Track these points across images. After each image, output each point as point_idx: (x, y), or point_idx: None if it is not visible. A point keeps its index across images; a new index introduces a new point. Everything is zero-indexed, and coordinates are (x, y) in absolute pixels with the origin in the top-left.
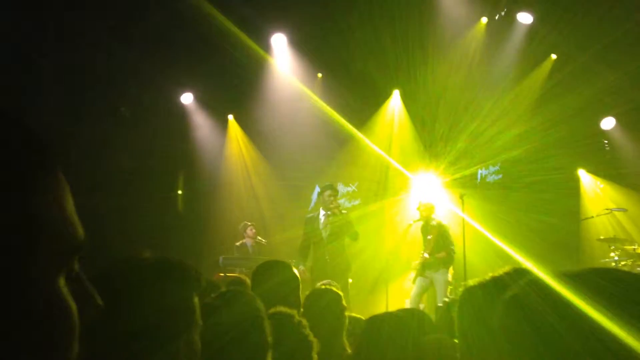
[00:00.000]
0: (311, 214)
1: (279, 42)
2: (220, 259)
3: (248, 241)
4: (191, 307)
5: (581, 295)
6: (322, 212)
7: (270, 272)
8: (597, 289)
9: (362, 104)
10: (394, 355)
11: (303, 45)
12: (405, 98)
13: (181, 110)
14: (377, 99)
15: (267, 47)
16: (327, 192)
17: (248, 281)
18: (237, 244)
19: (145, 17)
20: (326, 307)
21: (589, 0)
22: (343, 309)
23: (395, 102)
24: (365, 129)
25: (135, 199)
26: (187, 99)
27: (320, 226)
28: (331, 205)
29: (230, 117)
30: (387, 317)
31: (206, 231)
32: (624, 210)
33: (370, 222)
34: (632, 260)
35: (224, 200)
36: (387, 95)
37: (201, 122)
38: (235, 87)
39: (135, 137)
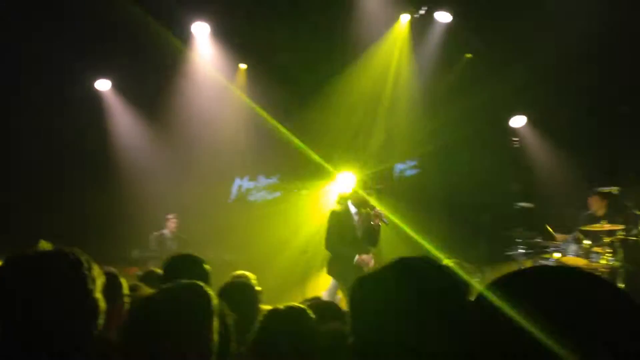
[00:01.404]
0: (338, 209)
1: (201, 31)
2: (134, 251)
3: (167, 233)
4: (89, 300)
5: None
6: (353, 209)
7: (181, 266)
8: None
9: (285, 97)
10: (289, 347)
11: (225, 35)
12: (328, 91)
13: (97, 98)
14: (301, 92)
15: (188, 36)
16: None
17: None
18: (155, 233)
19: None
20: (241, 299)
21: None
22: (257, 301)
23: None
24: (288, 121)
25: (48, 190)
26: (103, 86)
27: (355, 226)
28: (366, 205)
29: (148, 106)
30: (285, 310)
31: (121, 224)
32: (531, 205)
33: (291, 215)
34: (536, 252)
35: (141, 191)
36: (310, 89)
37: (118, 111)
38: (154, 75)
39: (49, 126)
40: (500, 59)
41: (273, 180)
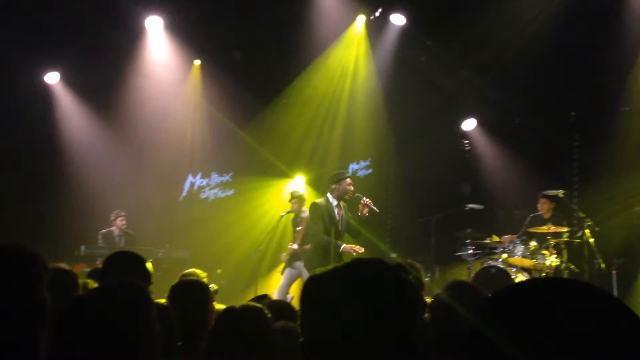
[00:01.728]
0: (319, 201)
1: (154, 25)
2: (82, 248)
3: (115, 230)
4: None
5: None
6: (334, 202)
7: (120, 263)
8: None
9: (241, 95)
10: (245, 347)
11: (179, 31)
12: (285, 90)
13: (45, 91)
14: (257, 91)
15: (141, 29)
16: (349, 180)
17: None
18: (103, 231)
19: None
20: (192, 298)
21: (458, 3)
22: (210, 299)
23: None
24: (244, 119)
25: None
26: (52, 78)
27: (337, 219)
28: (350, 196)
29: (100, 100)
30: (240, 309)
31: (69, 220)
32: (480, 207)
33: (244, 213)
34: (484, 253)
35: (90, 187)
36: (267, 87)
37: (68, 105)
38: (106, 69)
39: None
40: (451, 62)
41: (226, 178)
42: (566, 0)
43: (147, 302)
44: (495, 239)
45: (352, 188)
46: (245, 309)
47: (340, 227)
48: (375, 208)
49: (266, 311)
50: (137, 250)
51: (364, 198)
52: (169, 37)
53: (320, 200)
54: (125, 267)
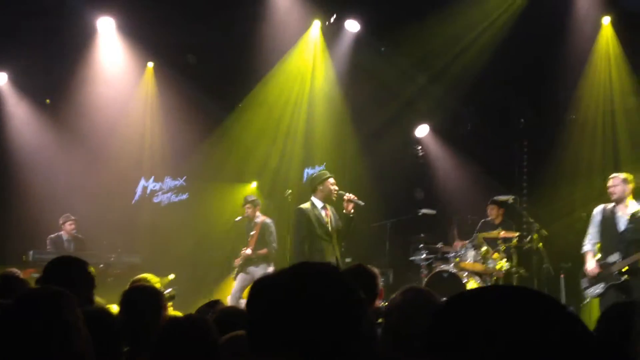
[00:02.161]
0: (305, 206)
1: (106, 26)
2: (31, 253)
3: (64, 235)
4: None
5: None
6: (319, 204)
7: (62, 269)
8: None
9: (196, 98)
10: (185, 357)
11: (132, 32)
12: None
13: None
14: (213, 94)
15: (93, 31)
16: (332, 180)
17: None
18: (52, 236)
19: None
20: (144, 304)
21: (412, 11)
22: (161, 306)
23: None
24: (199, 123)
25: None
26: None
27: (325, 221)
28: (335, 195)
29: (48, 101)
30: (183, 320)
31: (18, 225)
32: (433, 212)
33: (199, 218)
34: (437, 258)
35: (39, 191)
36: (223, 91)
37: (16, 106)
38: (55, 70)
39: None
40: (405, 68)
41: (180, 182)
42: (517, 11)
43: (63, 308)
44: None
45: (336, 188)
46: (187, 320)
47: (330, 229)
48: (359, 202)
49: (210, 322)
50: (87, 256)
51: (347, 194)
52: (122, 38)
53: (305, 205)
54: (67, 273)
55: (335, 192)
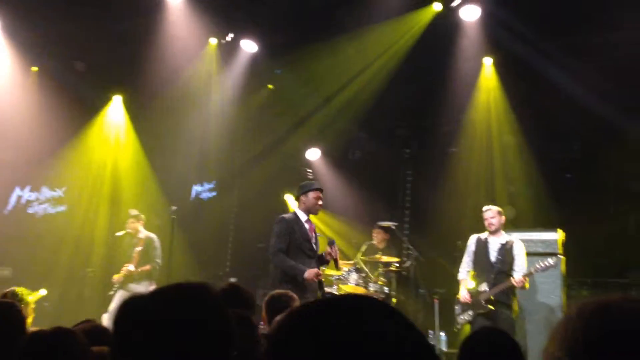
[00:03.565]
0: (288, 215)
1: None
2: None
3: None
4: None
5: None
6: (303, 216)
7: None
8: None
9: (81, 105)
10: None
11: (18, 35)
12: (130, 105)
13: None
14: (99, 102)
15: None
16: (318, 193)
17: None
18: None
19: None
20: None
21: (308, 35)
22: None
23: (116, 108)
24: (82, 132)
25: None
26: None
27: (309, 236)
28: (319, 209)
29: None
30: (50, 333)
31: None
32: (320, 235)
33: (76, 231)
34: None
35: None
36: (108, 100)
37: None
38: None
39: None
40: (299, 91)
41: (58, 192)
42: (409, 44)
43: None
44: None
45: (320, 203)
46: (54, 332)
47: (315, 245)
48: (336, 266)
49: (79, 335)
50: None
51: (333, 247)
52: (7, 41)
53: (288, 215)
54: None
55: (319, 208)
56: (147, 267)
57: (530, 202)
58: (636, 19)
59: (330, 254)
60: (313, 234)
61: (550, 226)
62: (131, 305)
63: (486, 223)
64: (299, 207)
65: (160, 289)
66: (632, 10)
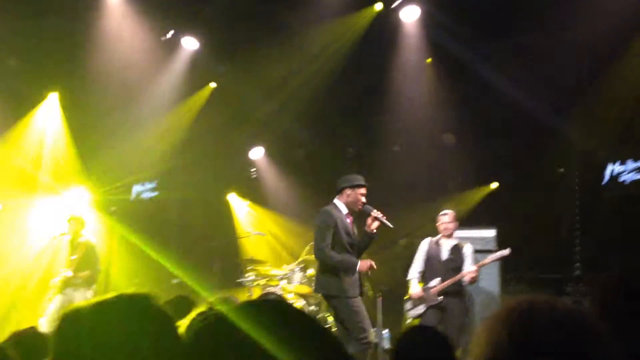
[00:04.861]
0: (329, 209)
1: None
2: None
3: None
4: None
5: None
6: (344, 210)
7: None
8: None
9: (13, 104)
10: None
11: None
12: (66, 102)
13: None
14: (32, 100)
15: None
16: (363, 190)
17: None
18: None
19: None
20: None
21: (249, 34)
22: None
23: (50, 106)
24: (14, 129)
25: None
26: None
27: (351, 230)
28: (360, 207)
29: None
30: None
31: None
32: (263, 234)
33: (7, 232)
34: (265, 280)
35: None
36: (42, 97)
37: None
38: None
39: None
40: (243, 90)
41: None
42: (352, 43)
43: None
44: (280, 267)
45: (364, 200)
46: None
47: (356, 240)
48: (388, 223)
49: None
50: None
51: (374, 210)
52: None
53: (329, 207)
54: None
55: (361, 205)
56: (87, 272)
57: (468, 200)
58: (562, 22)
59: (375, 218)
60: (353, 228)
61: (487, 224)
62: (71, 319)
63: (442, 227)
64: (341, 199)
65: (104, 301)
66: (558, 13)
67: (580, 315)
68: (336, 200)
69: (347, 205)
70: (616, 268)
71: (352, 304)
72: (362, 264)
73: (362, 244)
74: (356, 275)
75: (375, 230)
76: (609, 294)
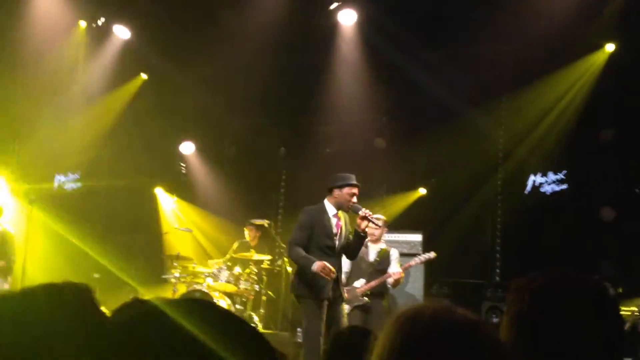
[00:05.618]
0: (312, 207)
1: None
2: None
3: None
4: None
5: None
6: (331, 211)
7: None
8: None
9: None
10: None
11: None
12: None
13: None
14: None
15: None
16: (354, 190)
17: None
18: None
19: None
20: None
21: (184, 27)
22: None
23: None
24: None
25: None
26: None
27: (333, 232)
28: (350, 208)
29: None
30: None
31: None
32: (189, 230)
33: None
34: (190, 277)
35: None
36: None
37: None
38: None
39: None
40: (173, 83)
41: None
42: (286, 40)
43: None
44: (206, 264)
45: (354, 200)
46: None
47: (337, 243)
48: (377, 222)
49: None
50: None
51: (363, 209)
52: None
53: (314, 206)
54: None
55: (351, 204)
56: (2, 263)
57: (396, 204)
58: (491, 35)
59: (365, 217)
60: (339, 230)
61: (414, 228)
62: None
63: (369, 231)
64: (329, 200)
65: (30, 289)
66: (489, 26)
67: (475, 325)
68: (325, 201)
69: (336, 205)
70: (533, 275)
71: (309, 306)
72: (316, 265)
73: (354, 244)
74: (328, 279)
75: (366, 230)
76: (525, 298)
